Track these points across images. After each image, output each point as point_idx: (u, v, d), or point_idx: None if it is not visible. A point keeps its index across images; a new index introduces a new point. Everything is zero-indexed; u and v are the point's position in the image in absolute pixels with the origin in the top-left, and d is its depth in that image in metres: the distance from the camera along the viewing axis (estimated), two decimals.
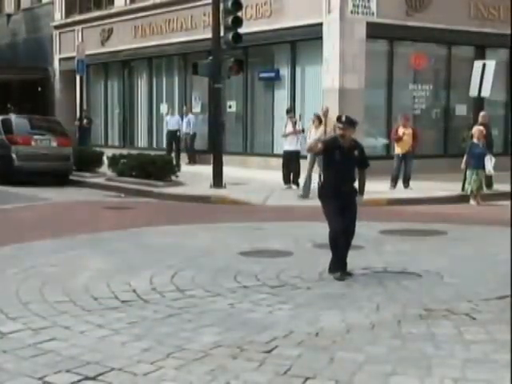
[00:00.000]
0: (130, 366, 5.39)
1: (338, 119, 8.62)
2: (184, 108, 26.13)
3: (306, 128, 19.26)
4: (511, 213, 11.17)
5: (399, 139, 17.93)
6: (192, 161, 25.39)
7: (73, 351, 5.70)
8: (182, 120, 25.70)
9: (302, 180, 17.65)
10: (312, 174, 16.25)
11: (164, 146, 26.47)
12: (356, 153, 8.50)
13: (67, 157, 20.70)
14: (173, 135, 25.52)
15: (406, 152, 17.85)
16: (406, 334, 6.16)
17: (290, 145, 17.96)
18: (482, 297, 7.44)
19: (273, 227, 12.50)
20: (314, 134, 16.29)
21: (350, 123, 8.46)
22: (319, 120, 16.74)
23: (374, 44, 21.61)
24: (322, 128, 16.46)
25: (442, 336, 6.10)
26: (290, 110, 19.26)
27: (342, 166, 8.38)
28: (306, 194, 16.18)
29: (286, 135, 18.25)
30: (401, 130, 18.01)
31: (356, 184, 8.61)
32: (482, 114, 18.13)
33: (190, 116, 25.69)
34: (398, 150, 18.07)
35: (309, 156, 16.42)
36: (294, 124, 18.20)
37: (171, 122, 25.72)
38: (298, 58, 22.58)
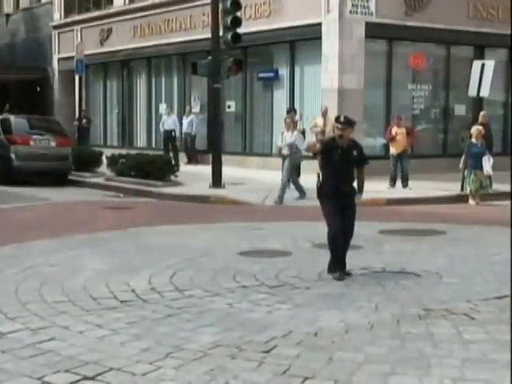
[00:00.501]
0: (129, 365, 5.39)
1: (337, 119, 8.62)
2: (187, 108, 26.08)
3: (307, 128, 19.27)
4: (511, 213, 11.18)
5: (392, 139, 18.00)
6: (194, 161, 25.37)
7: (72, 351, 5.70)
8: (182, 120, 25.67)
9: (301, 180, 17.64)
10: (287, 181, 16.14)
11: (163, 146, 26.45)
12: (355, 153, 8.50)
13: (66, 157, 20.69)
14: (169, 135, 25.48)
15: (401, 152, 17.87)
16: (404, 334, 6.16)
17: None
18: (480, 297, 7.45)
19: (272, 227, 12.50)
20: (289, 137, 16.16)
21: (349, 123, 8.46)
22: (294, 123, 16.70)
23: (373, 44, 21.61)
24: (296, 132, 16.43)
25: (440, 336, 6.11)
26: (291, 110, 19.23)
27: (340, 166, 8.38)
28: (280, 200, 15.91)
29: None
30: (394, 130, 18.06)
31: (355, 183, 8.62)
32: (482, 113, 18.18)
33: (193, 116, 25.63)
34: (392, 149, 18.14)
35: (283, 160, 16.34)
36: (295, 124, 18.18)
37: (168, 121, 25.66)
38: (297, 57, 22.57)
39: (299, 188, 16.30)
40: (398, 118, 18.54)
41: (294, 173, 16.47)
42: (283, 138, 16.44)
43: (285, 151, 16.24)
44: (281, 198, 15.89)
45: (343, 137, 8.41)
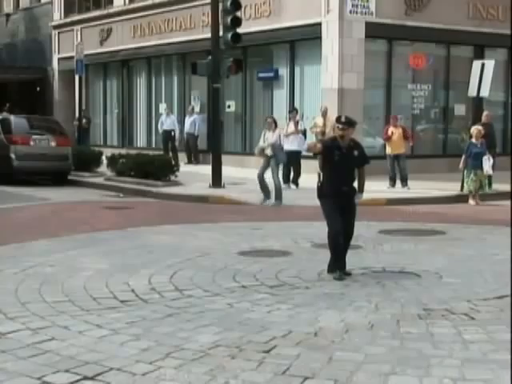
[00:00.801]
0: (129, 365, 5.39)
1: (338, 119, 8.61)
2: (190, 107, 26.04)
3: (308, 128, 19.23)
4: (511, 213, 11.18)
5: (388, 139, 18.02)
6: (196, 161, 25.36)
7: (71, 351, 5.69)
8: (184, 120, 25.65)
9: (301, 180, 17.62)
10: (278, 181, 15.98)
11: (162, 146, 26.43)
12: (356, 153, 8.49)
13: (66, 156, 20.68)
14: (168, 135, 25.45)
15: (397, 152, 17.85)
16: (404, 334, 6.15)
17: (291, 144, 17.86)
18: (480, 296, 7.45)
19: (272, 227, 12.50)
20: (271, 137, 15.89)
21: (350, 123, 8.45)
22: (275, 123, 16.31)
23: (373, 44, 21.62)
24: (277, 131, 16.10)
25: (440, 336, 6.10)
26: (293, 110, 19.21)
27: (341, 166, 8.37)
28: (279, 202, 15.82)
29: (287, 135, 18.16)
30: (390, 130, 18.07)
31: (355, 183, 8.62)
32: (485, 113, 18.24)
33: (196, 116, 25.56)
34: (388, 149, 18.14)
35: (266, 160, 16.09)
36: (296, 124, 18.17)
37: (167, 122, 25.64)
38: (297, 57, 22.57)
39: (264, 188, 16.07)
40: (393, 118, 18.55)
41: (265, 172, 16.17)
42: (265, 138, 16.20)
43: (268, 152, 16.03)
44: (279, 200, 15.86)
45: (344, 137, 8.40)
